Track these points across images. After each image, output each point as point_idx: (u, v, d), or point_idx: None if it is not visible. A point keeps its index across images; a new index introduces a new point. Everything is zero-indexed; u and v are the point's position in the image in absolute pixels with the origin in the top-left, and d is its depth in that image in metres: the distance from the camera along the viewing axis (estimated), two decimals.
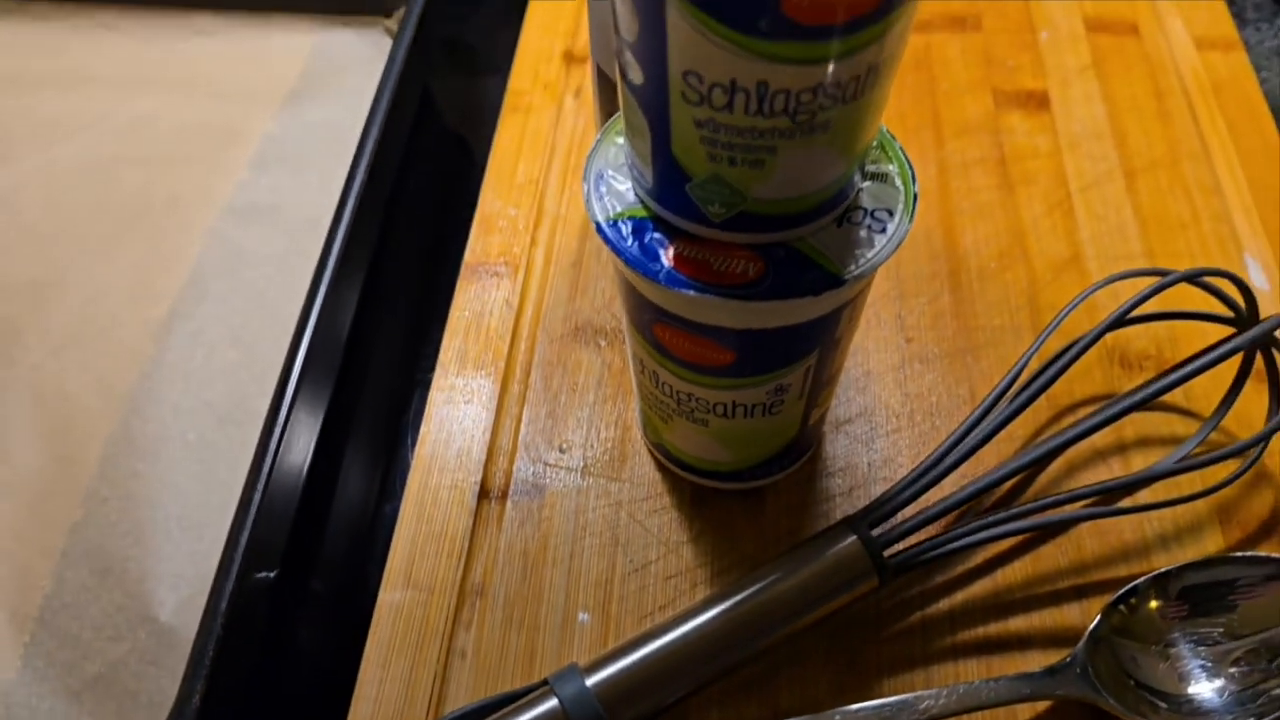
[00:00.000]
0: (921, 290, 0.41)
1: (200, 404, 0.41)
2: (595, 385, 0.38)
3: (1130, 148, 0.45)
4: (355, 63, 0.54)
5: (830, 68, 0.23)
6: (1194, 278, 0.34)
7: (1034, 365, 0.35)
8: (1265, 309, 0.40)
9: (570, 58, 0.49)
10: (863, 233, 0.27)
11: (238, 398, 0.41)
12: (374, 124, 0.43)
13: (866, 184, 0.28)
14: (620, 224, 0.28)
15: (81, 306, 0.44)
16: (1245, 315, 0.34)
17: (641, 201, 0.28)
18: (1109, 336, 0.39)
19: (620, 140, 0.29)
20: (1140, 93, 0.48)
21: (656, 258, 0.27)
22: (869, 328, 0.39)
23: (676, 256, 0.27)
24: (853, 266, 0.26)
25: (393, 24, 0.54)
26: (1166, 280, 0.33)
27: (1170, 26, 0.51)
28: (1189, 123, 0.46)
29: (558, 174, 0.44)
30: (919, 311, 0.40)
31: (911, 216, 0.28)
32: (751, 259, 0.27)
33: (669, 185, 0.26)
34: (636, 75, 0.25)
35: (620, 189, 0.28)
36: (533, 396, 0.38)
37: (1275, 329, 0.33)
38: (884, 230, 0.27)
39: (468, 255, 0.42)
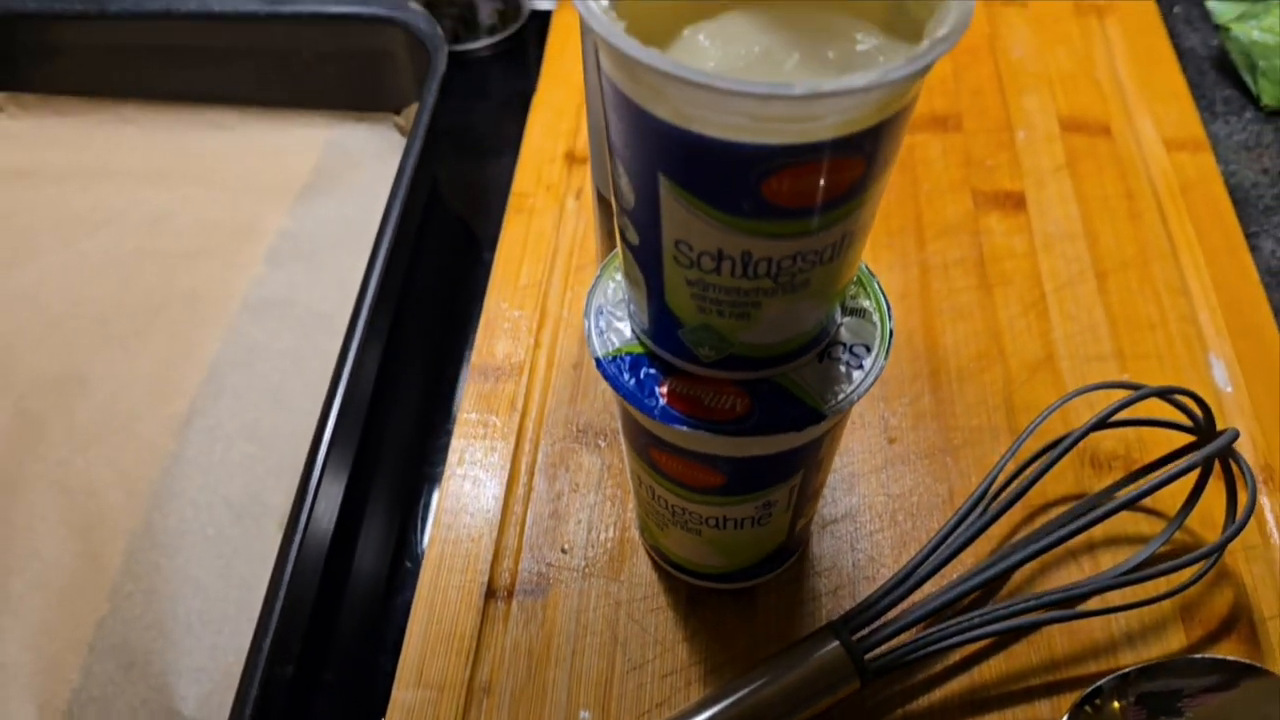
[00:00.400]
0: (904, 391, 0.43)
1: (218, 499, 0.43)
2: (595, 486, 0.40)
3: (1102, 248, 0.48)
4: (366, 157, 0.56)
5: (808, 239, 0.25)
6: (1162, 394, 0.36)
7: (1010, 468, 0.38)
8: (1229, 409, 0.42)
9: (572, 158, 0.52)
10: (842, 368, 0.30)
11: (253, 492, 0.43)
12: (388, 226, 0.45)
13: (846, 319, 0.31)
14: (619, 360, 0.30)
15: (105, 402, 0.46)
16: (1205, 428, 0.36)
17: (638, 338, 0.30)
18: None
19: (618, 277, 0.32)
20: (1112, 194, 0.50)
21: (652, 393, 0.29)
22: (855, 430, 0.42)
23: (670, 393, 0.29)
24: (832, 401, 0.29)
25: (402, 120, 0.57)
26: (1136, 395, 0.36)
27: (1141, 126, 0.53)
28: (1158, 223, 0.49)
29: (560, 276, 0.47)
30: (901, 413, 0.42)
31: (887, 353, 0.30)
32: (739, 395, 0.29)
33: (663, 329, 0.29)
34: (634, 237, 0.27)
35: (619, 325, 0.31)
36: (536, 497, 0.40)
37: (1231, 443, 0.35)
38: (861, 366, 0.30)
39: (474, 357, 0.44)
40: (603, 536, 0.39)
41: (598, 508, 0.40)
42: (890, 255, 0.47)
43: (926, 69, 0.22)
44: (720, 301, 0.27)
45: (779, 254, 0.25)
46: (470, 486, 0.40)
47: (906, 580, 0.34)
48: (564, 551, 0.39)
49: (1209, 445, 0.34)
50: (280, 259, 0.52)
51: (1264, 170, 0.56)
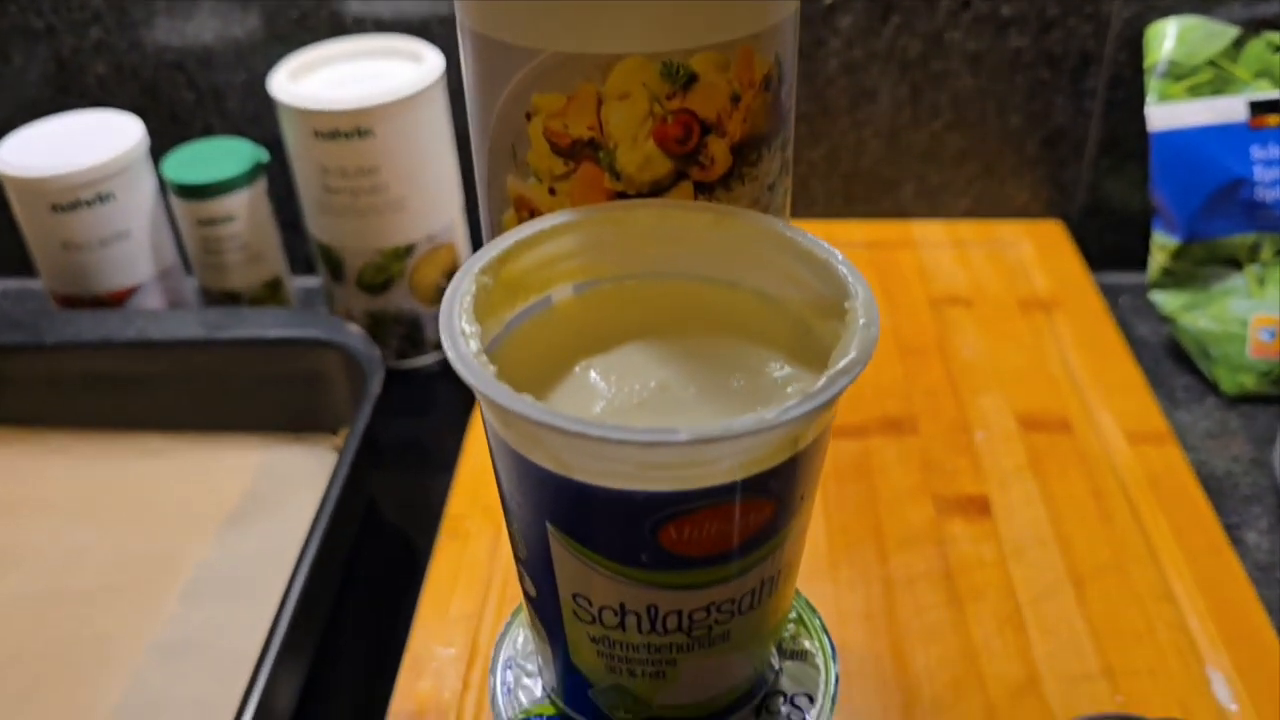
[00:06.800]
0: None
1: None
2: None
3: (1076, 553, 0.45)
4: (300, 482, 0.54)
5: (722, 588, 0.22)
6: None
7: None
8: None
9: None
10: None
11: None
12: (305, 561, 0.42)
13: (786, 664, 0.27)
14: None
15: None
16: None
17: (549, 697, 0.27)
18: None
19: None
20: (1079, 492, 0.48)
21: None
22: None
23: None
24: None
25: (340, 441, 0.55)
26: None
27: (1101, 420, 0.52)
28: (1131, 523, 0.46)
29: (494, 608, 0.43)
30: None
31: (834, 702, 0.26)
32: None
33: (572, 688, 0.25)
34: (531, 588, 0.24)
35: (528, 682, 0.27)
36: None
37: None
38: (805, 719, 0.26)
39: (394, 702, 0.40)
40: None
41: None
42: (850, 571, 0.44)
43: (828, 404, 0.20)
44: (630, 660, 0.23)
45: (690, 606, 0.22)
46: None
47: None
48: None
49: None
50: (197, 596, 0.48)
51: (1234, 458, 0.54)
